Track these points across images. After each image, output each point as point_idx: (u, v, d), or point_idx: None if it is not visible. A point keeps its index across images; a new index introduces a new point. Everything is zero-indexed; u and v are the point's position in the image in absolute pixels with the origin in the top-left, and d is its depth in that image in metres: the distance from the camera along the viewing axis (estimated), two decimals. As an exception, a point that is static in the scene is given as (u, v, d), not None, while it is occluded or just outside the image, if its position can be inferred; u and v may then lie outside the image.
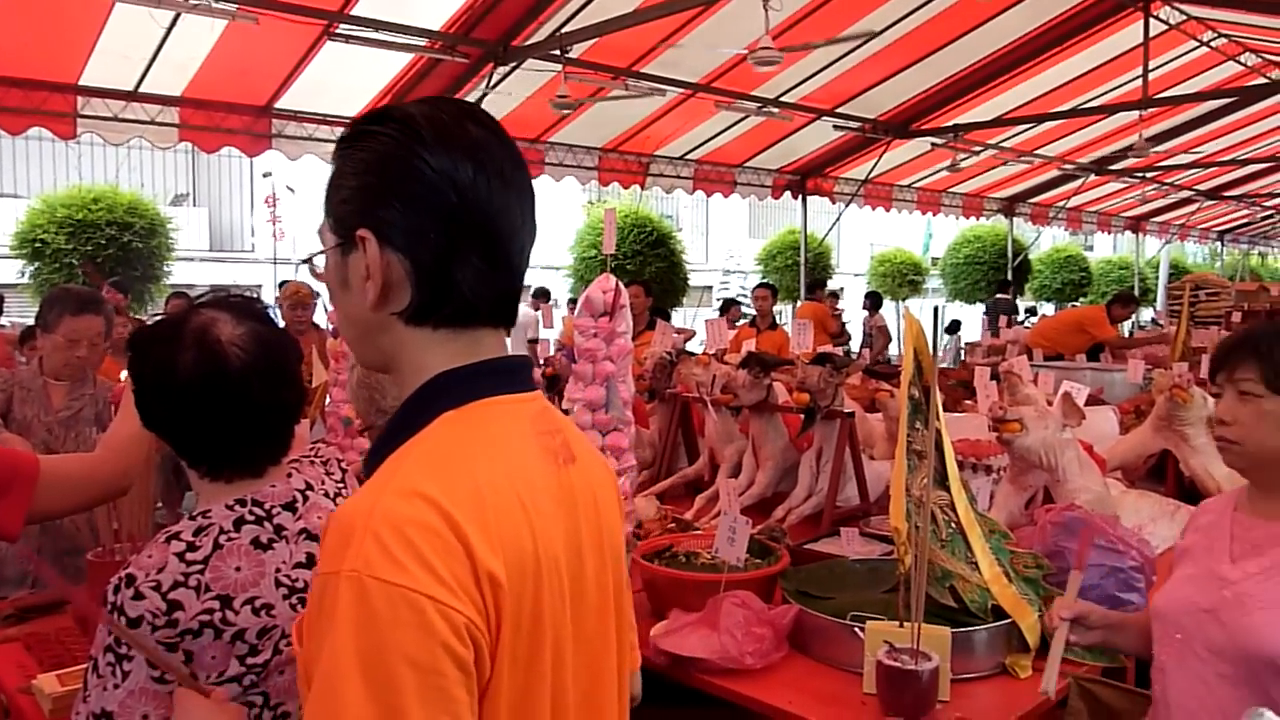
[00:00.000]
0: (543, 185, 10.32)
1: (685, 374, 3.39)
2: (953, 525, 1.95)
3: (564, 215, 15.09)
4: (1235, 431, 1.54)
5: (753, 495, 3.14)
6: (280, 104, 7.19)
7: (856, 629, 1.81)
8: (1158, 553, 2.78)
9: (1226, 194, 16.13)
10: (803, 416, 2.98)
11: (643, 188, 9.65)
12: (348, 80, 7.11)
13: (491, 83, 7.29)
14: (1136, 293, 18.00)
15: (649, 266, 10.90)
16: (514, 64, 7.15)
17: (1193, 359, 5.68)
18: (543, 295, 10.70)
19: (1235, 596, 1.48)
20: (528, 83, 7.44)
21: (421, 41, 6.68)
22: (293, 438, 1.42)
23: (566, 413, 2.05)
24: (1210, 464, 3.17)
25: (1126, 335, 10.50)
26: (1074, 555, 1.69)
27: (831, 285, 14.00)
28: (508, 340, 1.00)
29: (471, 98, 7.55)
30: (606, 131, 8.80)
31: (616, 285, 2.02)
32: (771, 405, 3.11)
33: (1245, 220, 19.91)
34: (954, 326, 13.59)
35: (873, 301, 12.10)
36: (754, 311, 8.63)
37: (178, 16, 5.71)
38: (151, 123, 6.73)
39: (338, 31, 6.27)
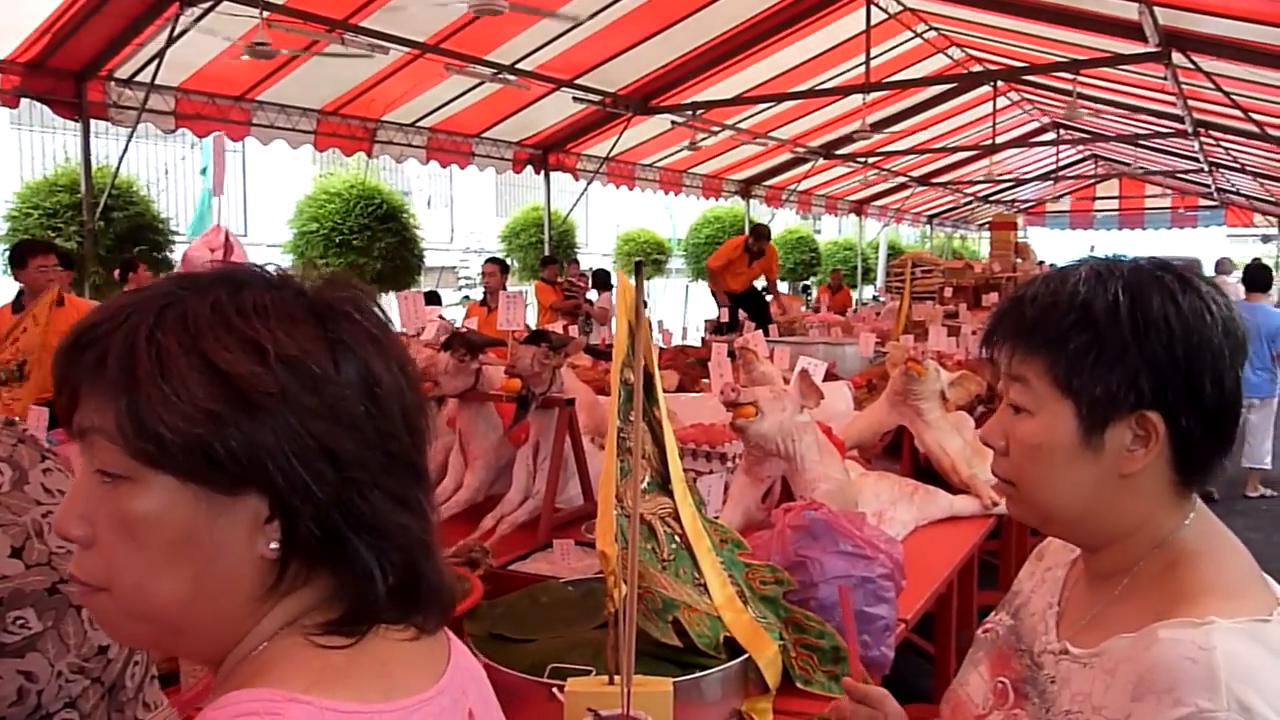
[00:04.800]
0: (252, 149, 9.24)
1: (382, 359, 2.84)
2: (676, 540, 1.57)
3: (286, 185, 13.61)
4: None
5: (461, 501, 2.65)
6: (-103, 38, 5.82)
7: (555, 689, 1.38)
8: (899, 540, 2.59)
9: (935, 180, 17.55)
10: (516, 405, 2.53)
11: (369, 155, 8.83)
12: (-10, 13, 5.85)
13: (177, 28, 6.26)
14: (859, 272, 19.26)
15: (378, 243, 10.03)
16: (205, 7, 6.17)
17: (917, 332, 5.83)
18: None
19: None
20: (223, 30, 6.46)
21: (83, -29, 5.58)
22: None
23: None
24: (944, 439, 3.05)
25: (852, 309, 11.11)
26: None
27: (584, 265, 13.57)
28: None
29: (154, 46, 6.48)
30: (325, 92, 7.92)
31: (227, 240, 1.46)
32: (480, 394, 2.64)
33: (950, 205, 21.90)
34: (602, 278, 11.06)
35: (600, 279, 10.85)
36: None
37: None
38: None
39: (-34, -51, 5.09)
